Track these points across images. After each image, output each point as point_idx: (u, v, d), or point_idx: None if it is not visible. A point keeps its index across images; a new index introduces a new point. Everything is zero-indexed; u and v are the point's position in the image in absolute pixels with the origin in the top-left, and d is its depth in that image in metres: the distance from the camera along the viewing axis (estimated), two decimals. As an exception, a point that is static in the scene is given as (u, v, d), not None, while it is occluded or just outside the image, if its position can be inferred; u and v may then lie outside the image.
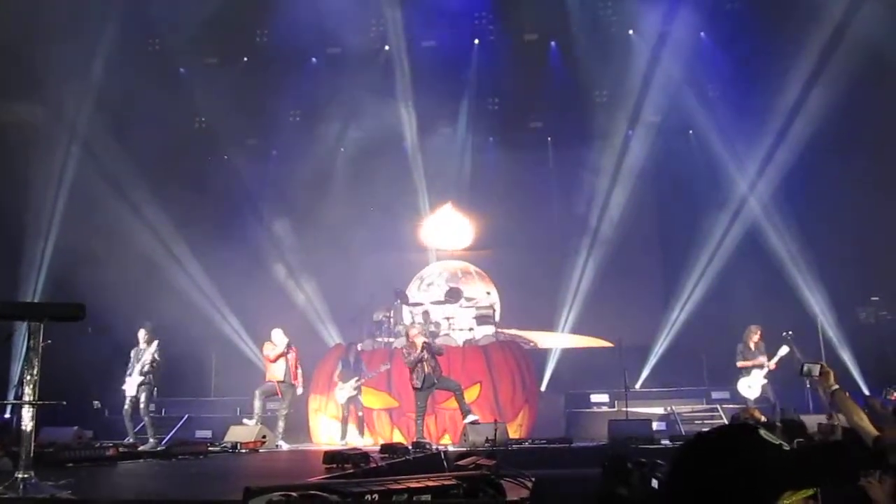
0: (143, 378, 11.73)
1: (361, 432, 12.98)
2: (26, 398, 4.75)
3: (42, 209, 15.21)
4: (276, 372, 12.33)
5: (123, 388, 11.91)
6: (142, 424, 11.94)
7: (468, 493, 3.22)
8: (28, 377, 4.78)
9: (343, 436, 12.83)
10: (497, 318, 15.52)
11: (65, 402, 5.23)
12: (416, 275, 17.77)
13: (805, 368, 5.04)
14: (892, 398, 6.96)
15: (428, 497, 3.01)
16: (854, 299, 15.69)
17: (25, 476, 4.58)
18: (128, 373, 11.90)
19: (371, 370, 12.98)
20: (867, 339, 15.00)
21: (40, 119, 15.21)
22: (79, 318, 4.96)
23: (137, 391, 11.73)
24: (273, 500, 2.41)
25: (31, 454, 4.71)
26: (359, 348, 13.78)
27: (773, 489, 1.74)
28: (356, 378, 12.87)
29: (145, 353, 11.82)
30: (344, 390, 12.83)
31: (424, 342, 11.39)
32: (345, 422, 12.93)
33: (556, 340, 16.77)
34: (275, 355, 12.33)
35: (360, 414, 13.05)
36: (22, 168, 14.54)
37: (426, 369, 11.26)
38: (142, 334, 12.05)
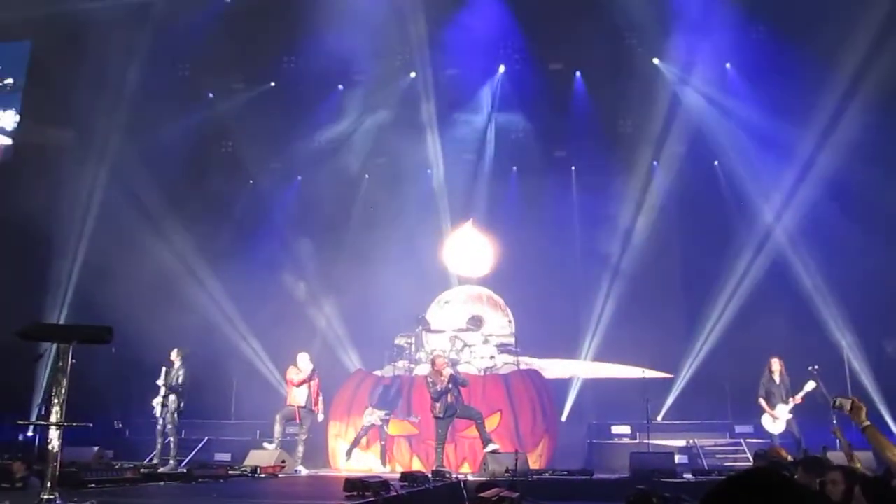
0: (171, 398, 11.87)
1: (384, 462, 12.94)
2: (53, 419, 4.78)
3: (70, 231, 15.42)
4: (298, 397, 12.33)
5: (154, 403, 12.07)
6: (166, 443, 12.00)
7: (494, 526, 3.18)
8: (56, 398, 4.81)
9: (349, 454, 12.89)
10: (516, 347, 15.43)
11: (91, 425, 5.26)
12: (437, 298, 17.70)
13: (837, 402, 4.94)
14: None
15: (453, 529, 2.98)
16: (880, 332, 15.47)
17: (51, 497, 4.60)
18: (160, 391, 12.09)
19: (404, 411, 13.01)
20: (893, 372, 14.78)
21: (70, 142, 15.47)
22: (106, 340, 5.00)
23: (163, 411, 11.85)
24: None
25: (56, 475, 4.73)
26: (412, 375, 13.84)
27: None
28: (387, 412, 12.88)
29: (174, 373, 11.96)
30: (373, 416, 12.85)
31: (452, 374, 11.35)
32: (355, 443, 12.95)
33: (578, 370, 16.65)
34: (299, 381, 12.34)
35: (383, 443, 13.02)
36: (51, 191, 14.77)
37: (449, 399, 11.21)
38: (174, 354, 12.17)
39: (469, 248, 17.39)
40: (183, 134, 16.74)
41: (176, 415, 11.90)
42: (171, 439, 11.95)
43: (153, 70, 16.16)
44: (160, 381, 11.97)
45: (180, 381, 11.95)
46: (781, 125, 15.35)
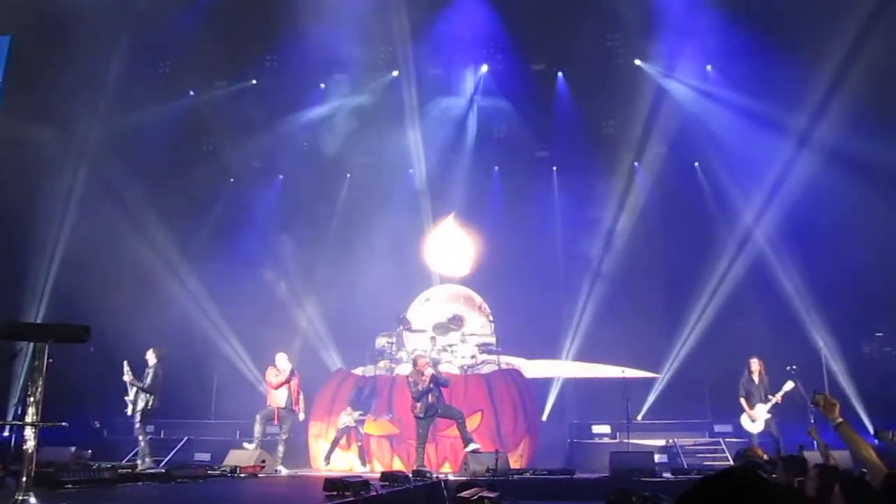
0: (141, 397, 11.79)
1: (363, 462, 12.95)
2: (29, 418, 4.73)
3: (49, 228, 15.29)
4: (278, 398, 12.29)
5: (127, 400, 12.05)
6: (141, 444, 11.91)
7: (472, 526, 3.18)
8: (31, 397, 4.76)
9: (327, 458, 12.85)
10: (497, 346, 15.42)
11: (66, 424, 5.20)
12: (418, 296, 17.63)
13: (815, 398, 4.97)
14: None
15: (432, 529, 2.97)
16: (858, 334, 15.64)
17: (25, 498, 4.54)
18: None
19: (378, 412, 13.02)
20: (871, 373, 14.95)
21: (49, 139, 15.33)
22: (84, 339, 4.96)
23: (132, 410, 11.82)
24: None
25: (32, 475, 4.68)
26: (393, 375, 13.83)
27: None
28: (361, 412, 12.87)
29: (145, 373, 11.92)
30: (348, 417, 12.84)
31: (433, 374, 11.35)
32: (334, 446, 12.93)
33: (558, 370, 16.69)
34: (277, 383, 12.30)
35: (360, 444, 13.02)
36: (30, 187, 14.64)
37: (430, 399, 11.23)
38: (149, 353, 12.05)
39: (450, 245, 17.39)
40: (164, 131, 16.66)
41: (139, 414, 11.70)
42: (140, 439, 11.78)
43: (134, 67, 16.02)
44: (126, 378, 11.79)
45: (148, 381, 11.77)
46: (762, 127, 15.47)
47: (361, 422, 12.93)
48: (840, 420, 4.70)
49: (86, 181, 15.66)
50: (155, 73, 17.29)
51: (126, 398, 11.88)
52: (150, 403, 11.78)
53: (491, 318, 16.30)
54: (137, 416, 11.73)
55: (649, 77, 16.99)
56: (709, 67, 16.92)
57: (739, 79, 16.09)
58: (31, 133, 14.45)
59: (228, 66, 17.63)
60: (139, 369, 11.94)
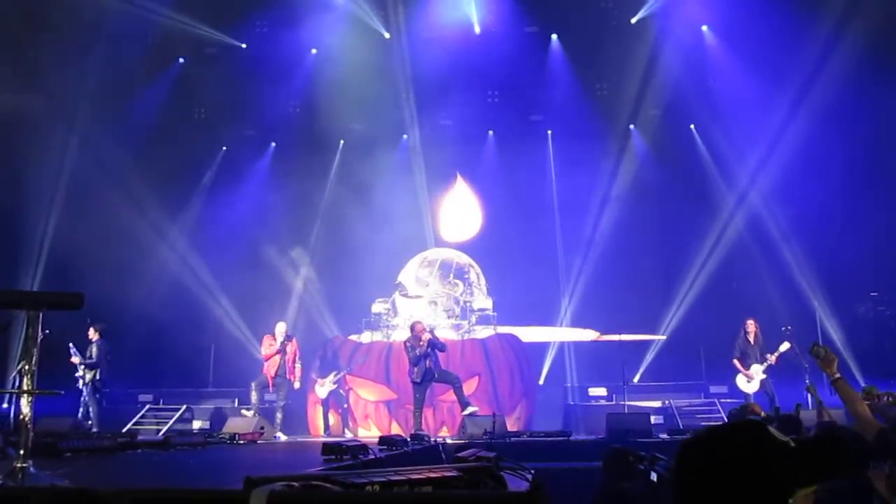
0: (88, 373, 12.66)
1: (346, 427, 13.02)
2: (24, 387, 4.71)
3: (41, 198, 15.22)
4: (272, 366, 12.36)
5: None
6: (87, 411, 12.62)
7: (469, 485, 3.18)
8: (26, 366, 4.74)
9: (326, 429, 12.90)
10: (494, 312, 15.41)
11: (62, 392, 5.20)
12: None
13: (814, 348, 4.95)
14: None
15: (429, 488, 2.97)
16: (853, 294, 15.69)
17: (24, 465, 4.55)
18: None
19: (347, 365, 13.11)
20: (865, 333, 15.03)
21: (39, 109, 15.17)
22: (77, 307, 4.91)
23: (82, 384, 12.65)
24: (275, 490, 2.38)
25: (30, 443, 4.68)
26: (390, 341, 13.87)
27: (783, 486, 1.71)
28: (335, 372, 12.93)
29: (89, 349, 12.69)
30: (324, 386, 12.89)
31: (431, 339, 11.38)
32: (326, 417, 13.00)
33: (554, 336, 16.74)
34: (267, 354, 12.45)
35: (346, 406, 13.10)
36: (21, 158, 14.54)
37: (427, 364, 11.28)
38: (91, 332, 12.73)
39: (459, 208, 17.46)
40: (154, 100, 16.55)
41: (90, 386, 12.56)
42: (92, 409, 12.53)
43: (122, 35, 15.82)
44: (74, 360, 12.50)
45: (94, 356, 12.56)
46: (757, 87, 15.38)
47: (339, 382, 13.00)
48: (837, 375, 4.72)
49: (76, 149, 15.54)
50: (144, 40, 17.08)
51: (77, 374, 12.55)
52: (96, 375, 12.62)
53: (486, 283, 16.28)
54: (88, 388, 12.58)
55: (644, 38, 16.81)
56: (705, 28, 16.78)
57: (735, 39, 15.95)
58: (20, 103, 14.29)
59: (218, 31, 17.45)
60: (84, 346, 12.69)
